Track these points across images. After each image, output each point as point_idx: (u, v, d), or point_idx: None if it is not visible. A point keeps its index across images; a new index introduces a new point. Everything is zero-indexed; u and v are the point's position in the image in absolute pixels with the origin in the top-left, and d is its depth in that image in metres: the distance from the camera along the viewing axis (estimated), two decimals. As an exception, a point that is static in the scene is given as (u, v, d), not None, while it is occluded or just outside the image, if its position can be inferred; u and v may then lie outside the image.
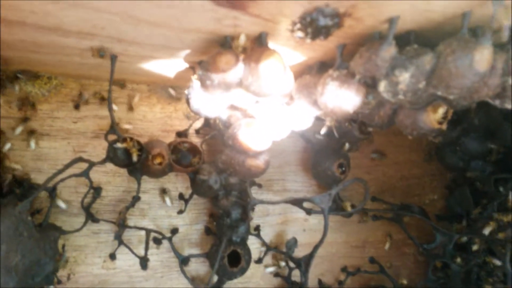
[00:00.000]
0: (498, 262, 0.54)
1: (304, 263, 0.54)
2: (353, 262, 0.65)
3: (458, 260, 0.59)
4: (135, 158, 0.49)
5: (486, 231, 0.53)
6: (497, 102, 0.37)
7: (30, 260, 0.39)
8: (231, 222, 0.53)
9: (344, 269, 0.64)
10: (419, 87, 0.37)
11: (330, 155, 0.59)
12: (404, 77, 0.36)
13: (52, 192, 0.49)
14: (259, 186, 0.60)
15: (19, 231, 0.37)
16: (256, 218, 0.61)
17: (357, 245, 0.66)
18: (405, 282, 0.62)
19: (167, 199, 0.57)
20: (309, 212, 0.63)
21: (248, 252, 0.55)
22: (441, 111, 0.40)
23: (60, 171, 0.44)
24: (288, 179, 0.64)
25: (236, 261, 0.54)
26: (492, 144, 0.61)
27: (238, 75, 0.40)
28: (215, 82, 0.40)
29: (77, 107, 0.55)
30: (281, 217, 0.63)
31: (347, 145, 0.59)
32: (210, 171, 0.52)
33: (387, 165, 0.68)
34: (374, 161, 0.67)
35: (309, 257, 0.54)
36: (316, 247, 0.53)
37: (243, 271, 0.54)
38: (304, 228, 0.63)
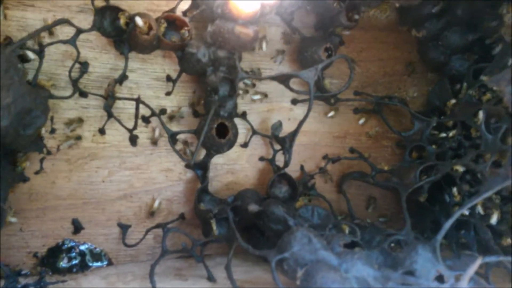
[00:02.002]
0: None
1: (288, 140, 0.57)
2: (334, 151, 0.68)
3: (434, 146, 0.62)
4: (122, 22, 0.49)
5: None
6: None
7: (22, 107, 0.39)
8: (219, 99, 0.54)
9: (325, 157, 0.67)
10: None
11: (318, 40, 0.59)
12: None
13: (40, 54, 0.48)
14: (247, 72, 0.61)
15: (10, 72, 0.37)
16: (243, 104, 0.62)
17: (339, 136, 0.68)
18: (385, 167, 0.65)
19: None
20: (294, 101, 0.65)
21: (235, 126, 0.56)
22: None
23: (46, 28, 0.44)
24: (275, 68, 0.64)
25: (224, 135, 0.55)
26: (474, 36, 0.62)
27: None
28: None
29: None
30: (267, 105, 0.64)
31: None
32: (199, 45, 0.52)
33: (371, 61, 0.70)
34: (359, 56, 0.69)
35: (293, 133, 0.56)
36: (300, 123, 0.55)
37: (230, 143, 0.56)
38: (289, 117, 0.65)
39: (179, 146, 0.60)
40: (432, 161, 0.57)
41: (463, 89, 0.62)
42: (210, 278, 0.51)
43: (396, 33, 0.69)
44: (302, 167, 0.66)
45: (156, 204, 0.57)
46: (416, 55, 0.70)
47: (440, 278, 0.41)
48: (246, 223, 0.60)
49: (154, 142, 0.56)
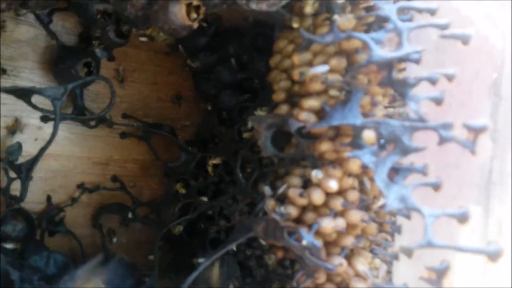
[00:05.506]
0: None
1: (25, 169, 0.46)
2: (93, 180, 0.59)
3: (200, 179, 0.61)
4: None
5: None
6: (243, 2, 0.37)
7: None
8: None
9: (80, 186, 0.58)
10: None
11: (78, 51, 0.51)
12: None
13: None
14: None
15: None
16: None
17: (100, 162, 0.60)
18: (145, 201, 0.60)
19: None
20: (45, 119, 0.54)
21: None
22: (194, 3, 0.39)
23: None
24: (22, 76, 0.52)
25: None
26: (242, 75, 0.64)
27: None
28: None
29: None
30: (6, 120, 0.52)
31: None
32: None
33: (144, 84, 0.65)
34: (131, 77, 0.63)
35: (32, 161, 0.46)
36: (42, 150, 0.45)
37: None
38: (36, 137, 0.54)
39: None
40: (190, 199, 0.55)
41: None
42: None
43: (173, 58, 0.66)
44: (49, 198, 0.55)
45: None
46: (191, 83, 0.69)
47: None
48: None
49: None
